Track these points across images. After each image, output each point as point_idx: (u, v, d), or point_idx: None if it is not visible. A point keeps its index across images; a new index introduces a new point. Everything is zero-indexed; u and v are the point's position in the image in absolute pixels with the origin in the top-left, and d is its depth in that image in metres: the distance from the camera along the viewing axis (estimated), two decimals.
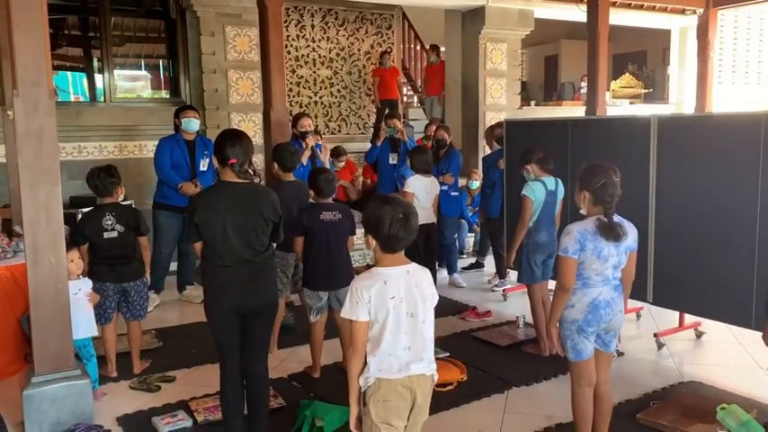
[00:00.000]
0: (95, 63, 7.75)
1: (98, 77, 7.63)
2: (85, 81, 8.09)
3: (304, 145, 5.62)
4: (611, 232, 2.79)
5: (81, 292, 3.79)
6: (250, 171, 3.03)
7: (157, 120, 6.91)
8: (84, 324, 3.77)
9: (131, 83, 8.67)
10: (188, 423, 3.51)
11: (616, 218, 2.86)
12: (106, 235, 4.06)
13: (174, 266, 6.10)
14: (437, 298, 2.38)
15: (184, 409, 3.65)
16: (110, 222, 4.07)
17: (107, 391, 3.93)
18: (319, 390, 3.95)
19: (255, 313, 3.10)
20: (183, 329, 5.20)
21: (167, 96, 8.08)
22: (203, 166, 5.81)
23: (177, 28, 7.51)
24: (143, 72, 8.84)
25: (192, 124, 5.73)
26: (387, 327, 2.23)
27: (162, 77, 8.66)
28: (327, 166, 5.91)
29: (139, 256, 4.25)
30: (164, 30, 7.94)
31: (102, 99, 7.42)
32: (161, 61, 8.55)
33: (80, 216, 4.50)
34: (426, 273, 2.36)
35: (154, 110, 7.32)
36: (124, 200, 4.48)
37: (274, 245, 3.22)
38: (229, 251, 2.98)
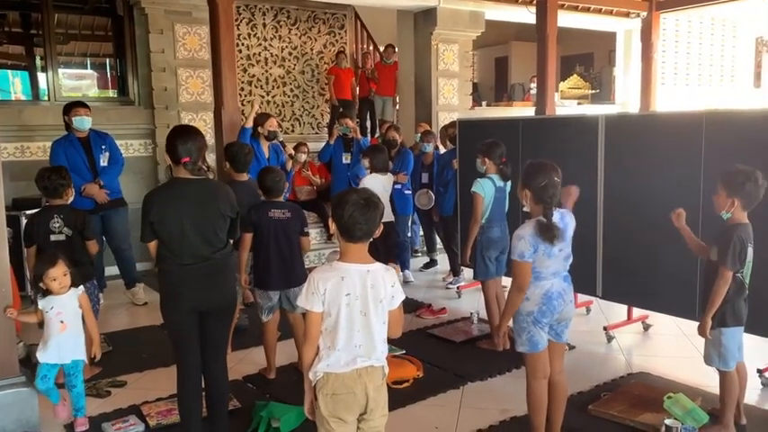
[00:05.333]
0: (38, 61, 7.51)
1: (41, 76, 7.39)
2: (18, 80, 7.85)
3: (286, 156, 5.62)
4: (548, 233, 2.85)
5: (53, 310, 3.39)
6: (204, 167, 2.98)
7: (105, 119, 6.73)
8: (51, 348, 3.37)
9: (77, 81, 8.45)
10: (140, 428, 3.44)
11: (557, 212, 2.92)
12: (53, 238, 3.95)
13: (117, 270, 6.00)
14: (400, 298, 2.35)
15: (136, 414, 3.57)
16: (57, 225, 3.96)
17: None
18: (275, 391, 3.91)
19: (214, 312, 3.05)
20: (133, 333, 5.09)
21: (115, 95, 7.89)
22: (104, 161, 5.62)
23: (124, 25, 7.33)
24: (89, 71, 8.62)
25: (84, 122, 5.49)
26: (339, 322, 2.25)
27: (109, 76, 8.46)
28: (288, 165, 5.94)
29: (88, 259, 4.14)
30: (110, 27, 7.75)
31: (46, 98, 7.19)
32: (108, 60, 8.35)
33: (25, 218, 4.36)
34: (389, 274, 2.34)
35: (101, 109, 7.11)
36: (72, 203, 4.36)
37: (231, 242, 3.17)
38: (188, 248, 2.92)
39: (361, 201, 2.23)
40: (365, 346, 2.28)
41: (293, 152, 7.03)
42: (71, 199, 4.17)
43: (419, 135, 6.90)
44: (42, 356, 3.37)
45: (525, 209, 3.00)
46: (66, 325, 3.38)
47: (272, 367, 4.12)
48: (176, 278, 2.96)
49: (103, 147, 5.66)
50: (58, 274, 3.38)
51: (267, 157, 5.76)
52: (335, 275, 2.25)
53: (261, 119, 5.90)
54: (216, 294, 3.02)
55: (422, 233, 7.57)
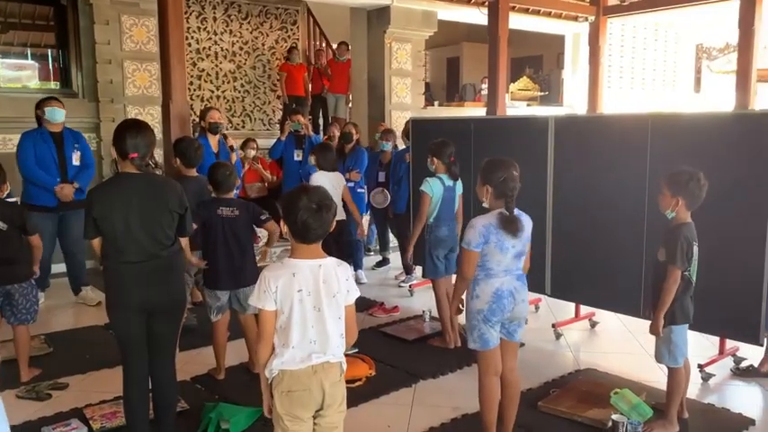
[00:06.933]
0: None
1: None
2: None
3: (228, 148, 5.49)
4: (511, 225, 2.89)
5: None
6: (151, 164, 2.90)
7: None
8: None
9: (17, 72, 8.12)
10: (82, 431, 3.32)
11: (515, 211, 2.96)
12: None
13: (62, 269, 5.78)
14: (355, 294, 2.35)
15: (78, 418, 3.44)
16: None
17: None
18: (224, 391, 3.84)
19: (163, 311, 2.96)
20: (76, 333, 4.92)
21: (57, 87, 7.61)
22: (76, 160, 5.45)
23: (68, 15, 7.08)
24: (30, 61, 8.30)
25: (56, 113, 5.30)
26: (292, 319, 2.22)
27: (51, 67, 8.16)
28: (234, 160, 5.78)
29: (27, 257, 3.97)
30: (53, 17, 7.47)
31: None
32: (50, 50, 8.05)
33: None
34: (342, 269, 2.33)
35: None
36: (8, 197, 4.18)
37: (182, 239, 3.08)
38: (133, 246, 2.82)
39: (313, 205, 2.19)
40: (320, 341, 2.26)
41: (234, 144, 6.79)
42: (6, 193, 4.01)
43: (378, 134, 6.88)
44: None
45: (485, 205, 3.02)
46: None
47: (221, 368, 4.04)
48: (122, 276, 2.86)
49: (76, 145, 5.47)
50: None
51: (216, 151, 5.64)
52: (287, 272, 2.22)
53: (203, 112, 5.79)
54: (164, 293, 2.94)
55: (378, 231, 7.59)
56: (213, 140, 5.64)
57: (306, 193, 2.23)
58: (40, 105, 5.35)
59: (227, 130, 7.82)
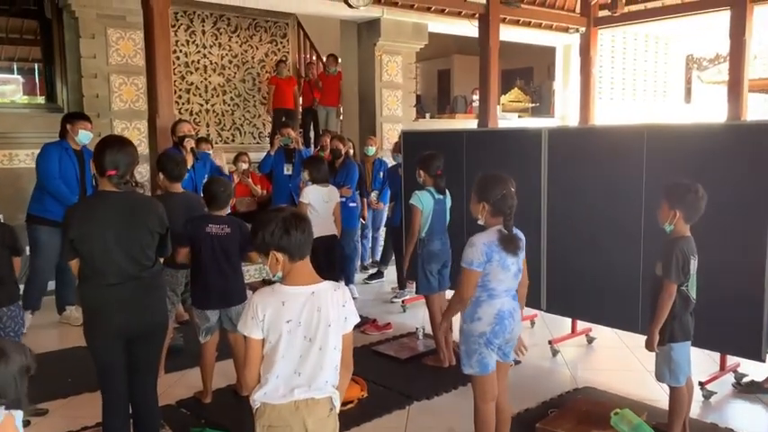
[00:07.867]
0: None
1: None
2: None
3: (183, 150, 5.35)
4: (510, 244, 2.80)
5: None
6: (131, 183, 2.78)
7: (31, 127, 6.38)
8: None
9: (1, 87, 8.01)
10: None
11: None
12: None
13: (51, 285, 5.61)
14: (353, 320, 2.23)
15: None
16: None
17: None
18: (211, 416, 3.70)
19: (143, 335, 2.85)
20: (57, 355, 4.77)
21: (42, 102, 7.50)
22: (94, 181, 5.36)
23: (53, 29, 6.98)
24: (15, 75, 8.19)
25: (87, 138, 5.23)
26: (278, 349, 2.09)
27: (37, 82, 8.05)
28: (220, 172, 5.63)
29: (14, 278, 3.84)
30: (39, 31, 7.38)
31: None
32: (36, 65, 7.95)
33: None
34: (339, 294, 2.18)
35: (28, 116, 6.77)
36: None
37: (162, 260, 2.97)
38: (112, 267, 2.71)
39: (288, 214, 2.11)
40: (305, 373, 2.12)
41: (194, 147, 6.53)
42: None
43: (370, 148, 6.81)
44: None
45: (480, 222, 2.91)
46: None
47: (208, 391, 3.90)
48: (100, 300, 2.74)
49: None
50: None
51: (191, 165, 5.49)
52: (276, 300, 2.09)
53: (173, 126, 5.66)
54: (145, 317, 2.82)
55: (370, 246, 7.53)
56: (189, 155, 5.51)
57: (277, 213, 2.13)
58: (72, 121, 5.23)
59: (215, 143, 7.74)
